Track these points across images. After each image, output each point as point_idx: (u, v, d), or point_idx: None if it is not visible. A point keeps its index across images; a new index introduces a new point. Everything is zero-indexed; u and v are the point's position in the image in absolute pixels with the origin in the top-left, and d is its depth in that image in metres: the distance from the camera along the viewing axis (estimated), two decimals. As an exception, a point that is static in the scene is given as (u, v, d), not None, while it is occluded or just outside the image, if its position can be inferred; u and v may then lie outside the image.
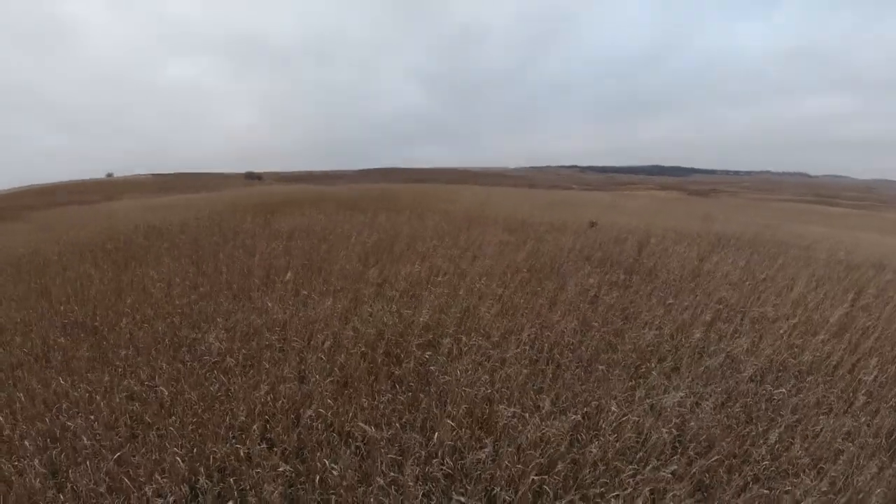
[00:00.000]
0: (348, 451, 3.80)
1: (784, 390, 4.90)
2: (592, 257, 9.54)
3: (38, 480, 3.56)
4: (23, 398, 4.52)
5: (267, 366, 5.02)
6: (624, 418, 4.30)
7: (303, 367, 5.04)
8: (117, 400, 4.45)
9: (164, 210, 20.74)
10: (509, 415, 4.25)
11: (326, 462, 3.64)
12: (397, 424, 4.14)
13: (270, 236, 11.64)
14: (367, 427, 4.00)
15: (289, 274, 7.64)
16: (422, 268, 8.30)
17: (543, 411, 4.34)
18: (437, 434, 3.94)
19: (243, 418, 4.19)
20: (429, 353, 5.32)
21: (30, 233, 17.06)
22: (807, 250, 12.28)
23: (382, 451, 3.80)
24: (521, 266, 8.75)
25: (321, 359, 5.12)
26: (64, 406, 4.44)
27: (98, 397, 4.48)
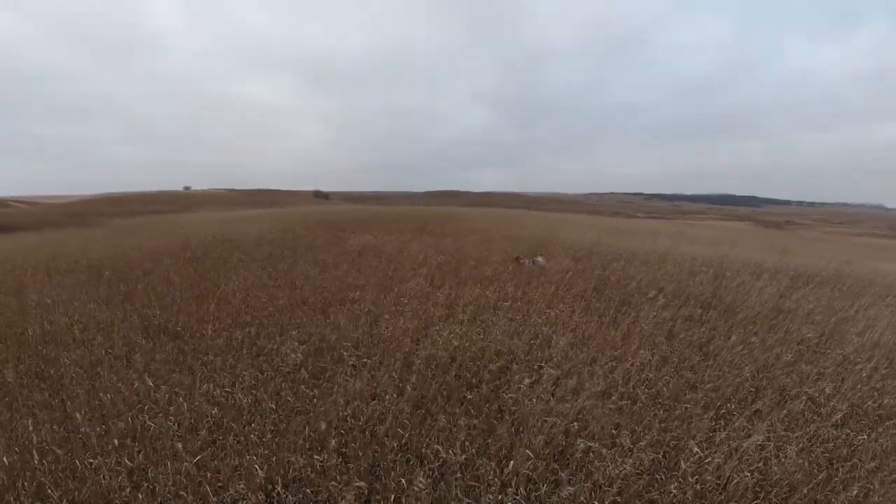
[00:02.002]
0: (422, 473, 3.76)
1: (865, 436, 4.62)
2: (665, 289, 9.24)
3: (115, 479, 3.66)
4: (105, 397, 4.70)
5: (340, 380, 5.07)
6: (706, 460, 4.10)
7: (374, 384, 5.06)
8: (196, 403, 4.59)
9: (239, 223, 21.56)
10: (584, 448, 4.13)
11: (402, 481, 3.61)
12: (472, 450, 4.08)
13: (341, 254, 11.89)
14: (442, 450, 3.96)
15: (368, 293, 7.76)
16: (489, 292, 8.26)
17: (621, 447, 4.19)
18: (512, 463, 3.85)
19: (322, 429, 4.23)
20: (501, 379, 5.25)
21: (110, 238, 18.09)
22: (890, 288, 11.48)
23: (457, 475, 3.75)
24: (590, 294, 8.57)
25: (392, 377, 5.14)
26: (145, 407, 4.60)
27: (180, 399, 4.63)
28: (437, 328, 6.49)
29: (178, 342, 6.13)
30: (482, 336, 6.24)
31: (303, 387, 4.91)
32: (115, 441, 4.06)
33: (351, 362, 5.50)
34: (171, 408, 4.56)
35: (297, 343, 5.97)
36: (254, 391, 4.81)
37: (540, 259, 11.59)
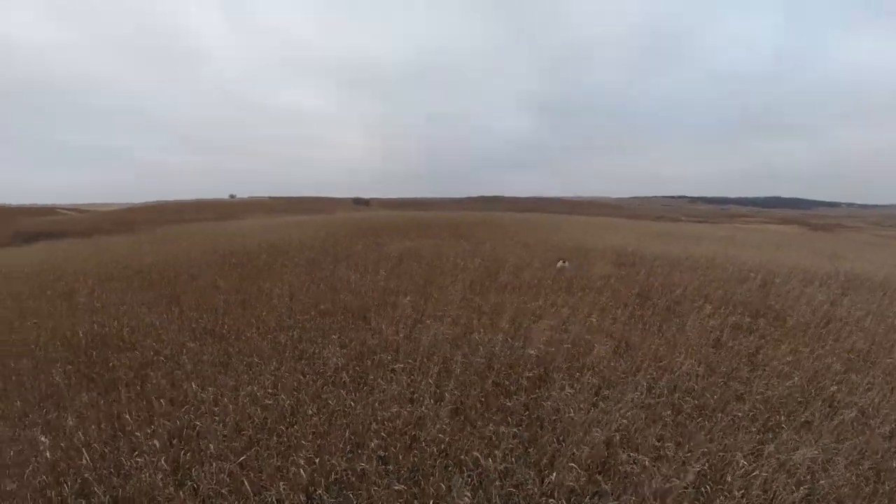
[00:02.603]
0: (461, 480, 3.74)
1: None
2: (712, 296, 8.99)
3: (158, 477, 3.74)
4: (153, 398, 4.82)
5: (380, 384, 5.10)
6: (753, 473, 3.96)
7: (412, 389, 5.06)
8: (241, 404, 4.67)
9: (282, 230, 21.92)
10: (628, 460, 4.04)
11: (442, 486, 3.60)
12: (512, 458, 4.04)
13: (380, 259, 11.97)
14: (481, 457, 3.93)
15: (407, 298, 7.81)
16: (529, 298, 8.19)
17: (666, 459, 4.09)
18: (555, 474, 3.79)
19: (360, 430, 4.26)
20: (540, 388, 5.20)
21: (157, 245, 18.60)
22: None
23: (496, 483, 3.72)
24: (633, 301, 8.41)
25: (430, 383, 5.13)
26: (192, 408, 4.70)
27: (225, 400, 4.72)
28: (477, 335, 6.45)
29: (223, 344, 6.27)
30: (521, 343, 6.19)
31: (343, 391, 4.96)
32: (162, 439, 4.18)
33: (390, 367, 5.52)
34: (217, 408, 4.66)
35: (337, 347, 6.04)
36: (296, 393, 4.87)
37: (565, 264, 11.66)
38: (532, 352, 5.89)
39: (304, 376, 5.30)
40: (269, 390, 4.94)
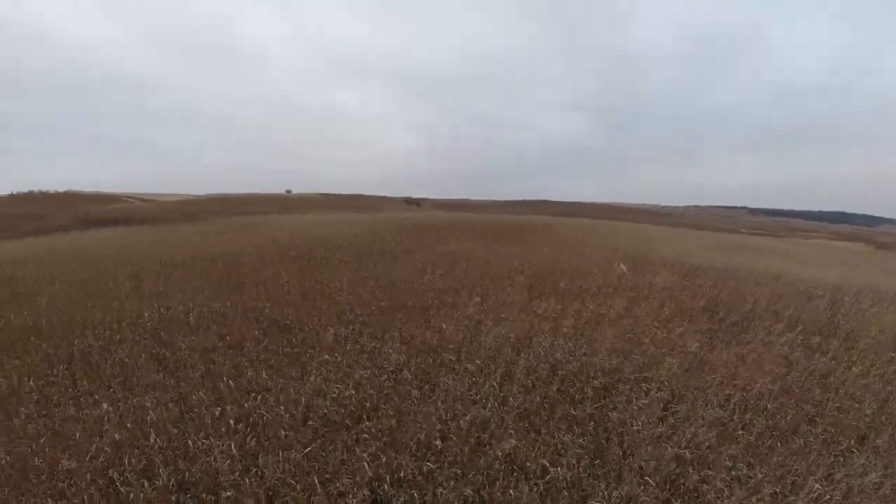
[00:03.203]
0: (527, 487, 3.67)
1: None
2: (782, 314, 8.60)
3: (224, 462, 3.76)
4: (220, 382, 4.88)
5: (443, 384, 5.05)
6: (825, 497, 3.77)
7: (476, 391, 4.98)
8: (306, 394, 4.71)
9: (337, 226, 22.19)
10: (699, 478, 3.89)
11: (511, 493, 3.54)
12: (578, 468, 3.93)
13: (436, 258, 11.96)
14: (549, 465, 3.85)
15: (474, 299, 7.78)
16: (590, 305, 8.02)
17: (738, 480, 3.92)
18: (624, 488, 3.68)
19: (425, 428, 4.24)
20: (605, 398, 5.06)
21: (220, 235, 19.11)
22: None
23: (563, 493, 3.63)
24: (699, 314, 8.14)
25: (494, 386, 5.06)
26: (258, 396, 4.72)
27: (290, 389, 4.77)
28: (540, 339, 6.35)
29: (287, 335, 6.34)
30: (585, 351, 6.06)
31: (407, 387, 4.91)
32: (230, 423, 4.21)
33: (453, 366, 5.47)
34: (282, 396, 4.69)
35: (398, 343, 6.03)
36: (360, 388, 4.87)
37: (624, 268, 11.43)
38: (597, 360, 5.75)
39: (366, 370, 5.30)
40: (335, 384, 4.94)
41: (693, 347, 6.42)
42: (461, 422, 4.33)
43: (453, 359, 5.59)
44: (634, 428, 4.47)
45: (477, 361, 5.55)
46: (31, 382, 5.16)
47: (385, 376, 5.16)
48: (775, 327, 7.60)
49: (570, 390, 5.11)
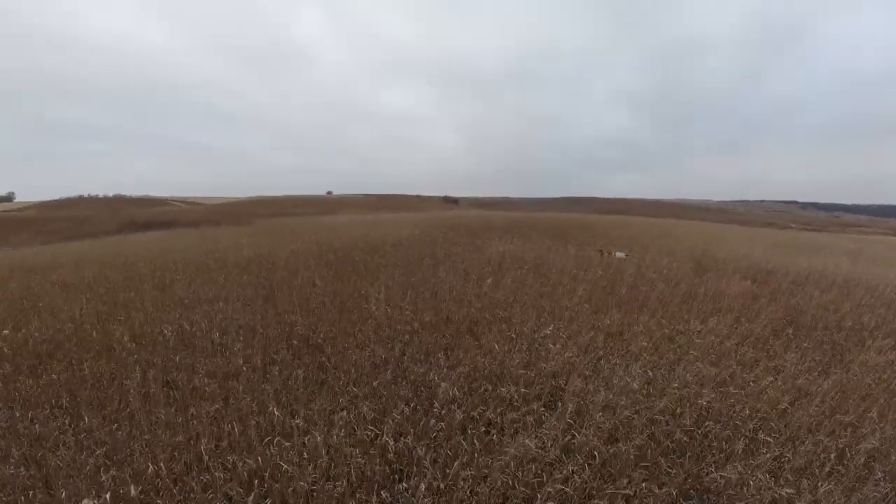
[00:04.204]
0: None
1: None
2: (869, 324, 7.43)
3: None
4: (235, 426, 4.10)
5: (505, 427, 4.18)
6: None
7: (542, 435, 4.08)
8: (336, 438, 3.89)
9: (376, 227, 21.64)
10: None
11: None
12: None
13: (481, 263, 11.11)
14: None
15: (507, 312, 6.86)
16: (659, 318, 7.04)
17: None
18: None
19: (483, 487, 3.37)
20: (700, 443, 4.12)
21: (259, 237, 18.74)
22: None
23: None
24: (782, 328, 7.06)
25: (558, 426, 4.15)
26: (276, 440, 3.91)
27: (317, 433, 3.95)
28: (607, 363, 5.41)
29: (318, 356, 5.56)
30: (663, 377, 5.10)
31: (458, 438, 4.01)
32: (241, 478, 3.47)
33: (512, 400, 4.57)
34: (307, 439, 3.89)
35: (445, 368, 5.18)
36: (402, 434, 4.02)
37: (620, 254, 11.73)
38: (684, 390, 4.78)
39: (409, 405, 4.46)
40: (370, 426, 4.08)
41: (788, 373, 5.38)
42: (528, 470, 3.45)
43: (508, 391, 4.65)
44: (746, 491, 3.51)
45: (535, 391, 4.68)
46: (30, 415, 4.51)
47: (433, 418, 4.27)
48: (875, 344, 6.48)
49: (659, 434, 4.16)
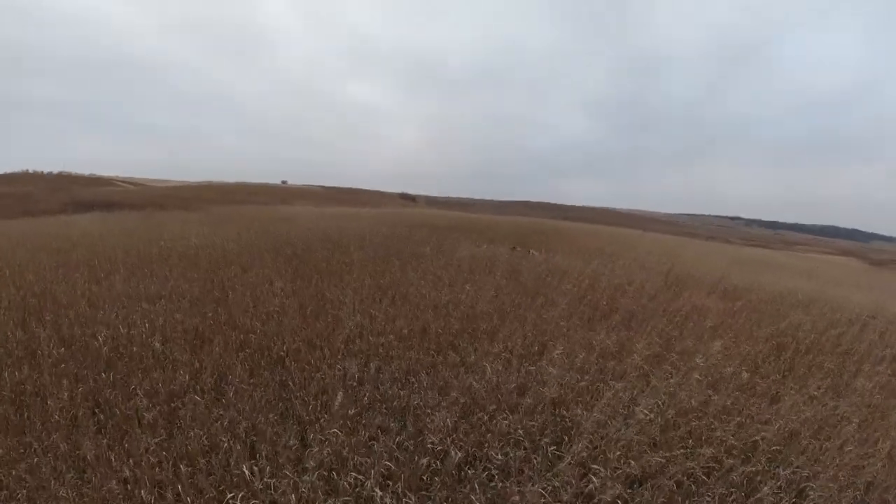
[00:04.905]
0: None
1: None
2: (846, 346, 7.17)
3: None
4: (182, 470, 3.29)
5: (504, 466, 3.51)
6: None
7: (557, 482, 3.42)
8: (308, 489, 3.14)
9: (335, 220, 20.74)
10: None
11: None
12: None
13: (451, 266, 10.43)
14: None
15: (489, 324, 6.17)
16: (653, 336, 6.52)
17: None
18: None
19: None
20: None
21: (209, 226, 17.53)
22: None
23: None
24: (773, 353, 6.69)
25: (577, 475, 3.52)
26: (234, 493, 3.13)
27: (285, 485, 3.16)
28: (609, 388, 4.80)
29: (280, 372, 4.78)
30: (669, 407, 4.54)
31: (461, 484, 3.32)
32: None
33: (511, 435, 3.91)
34: (272, 489, 3.13)
35: (431, 391, 4.47)
36: (390, 479, 3.29)
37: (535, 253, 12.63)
38: (699, 423, 4.25)
39: (394, 439, 3.73)
40: (353, 473, 3.30)
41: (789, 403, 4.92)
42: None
43: (507, 422, 3.99)
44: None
45: (542, 422, 4.05)
46: None
47: (427, 457, 3.54)
48: (862, 368, 6.19)
49: (677, 473, 3.58)
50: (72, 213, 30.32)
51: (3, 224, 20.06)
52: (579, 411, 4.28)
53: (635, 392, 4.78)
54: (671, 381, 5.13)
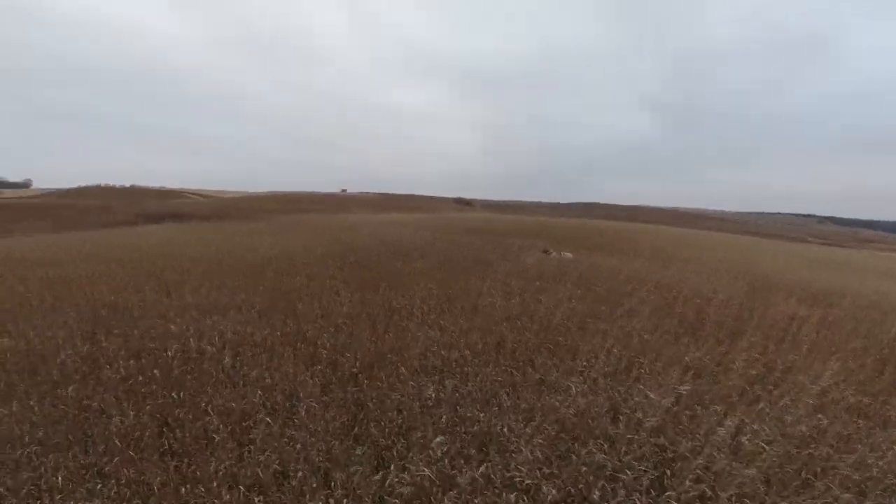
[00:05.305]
0: None
1: None
2: None
3: None
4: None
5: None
6: None
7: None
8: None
9: (395, 227, 20.69)
10: None
11: None
12: None
13: (519, 273, 10.06)
14: None
15: (566, 338, 5.67)
16: (749, 351, 5.92)
17: None
18: None
19: None
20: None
21: (275, 235, 17.73)
22: None
23: None
24: (873, 365, 5.97)
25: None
26: None
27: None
28: (711, 413, 4.31)
29: (352, 389, 4.53)
30: (774, 435, 4.02)
31: None
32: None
33: (614, 470, 3.47)
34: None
35: (515, 415, 4.10)
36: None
37: (568, 254, 12.22)
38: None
39: (477, 469, 3.38)
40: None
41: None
42: None
43: (613, 458, 3.56)
44: None
45: (641, 453, 3.61)
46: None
47: (512, 487, 3.18)
48: None
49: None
50: (144, 224, 31.66)
51: (79, 235, 20.96)
52: (680, 440, 3.83)
53: (738, 416, 4.27)
54: (777, 404, 4.60)
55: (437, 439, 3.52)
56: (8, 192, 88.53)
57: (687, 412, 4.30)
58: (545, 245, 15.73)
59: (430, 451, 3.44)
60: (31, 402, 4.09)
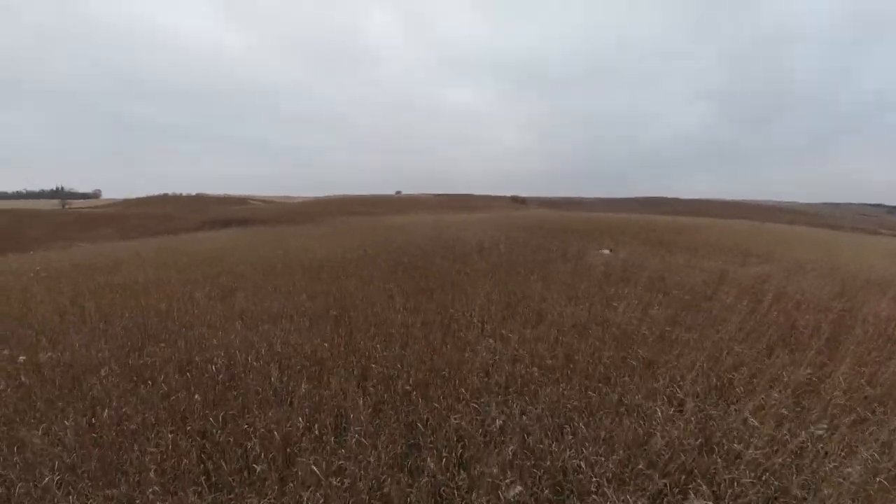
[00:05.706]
0: None
1: None
2: None
3: None
4: None
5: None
6: None
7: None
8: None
9: (450, 228, 20.29)
10: None
11: None
12: None
13: (582, 274, 9.44)
14: None
15: (646, 350, 4.98)
16: (853, 364, 5.13)
17: None
18: None
19: None
20: None
21: (332, 237, 17.70)
22: None
23: None
24: None
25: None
26: None
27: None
28: (825, 440, 3.63)
29: (406, 411, 4.08)
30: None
31: None
32: None
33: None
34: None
35: (594, 445, 3.54)
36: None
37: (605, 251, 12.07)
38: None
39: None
40: None
41: None
42: None
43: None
44: None
45: (736, 491, 3.00)
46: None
47: None
48: None
49: None
50: (208, 231, 32.61)
51: (143, 242, 21.54)
52: (787, 474, 3.20)
53: (846, 444, 3.59)
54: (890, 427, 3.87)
55: (516, 489, 2.97)
56: (77, 203, 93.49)
57: (790, 439, 3.62)
58: (608, 242, 15.01)
59: (500, 494, 2.94)
60: (66, 423, 3.81)
